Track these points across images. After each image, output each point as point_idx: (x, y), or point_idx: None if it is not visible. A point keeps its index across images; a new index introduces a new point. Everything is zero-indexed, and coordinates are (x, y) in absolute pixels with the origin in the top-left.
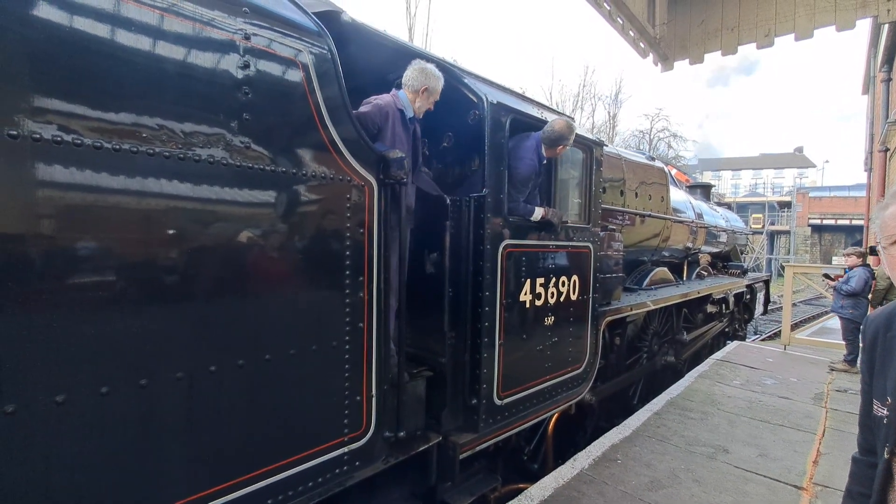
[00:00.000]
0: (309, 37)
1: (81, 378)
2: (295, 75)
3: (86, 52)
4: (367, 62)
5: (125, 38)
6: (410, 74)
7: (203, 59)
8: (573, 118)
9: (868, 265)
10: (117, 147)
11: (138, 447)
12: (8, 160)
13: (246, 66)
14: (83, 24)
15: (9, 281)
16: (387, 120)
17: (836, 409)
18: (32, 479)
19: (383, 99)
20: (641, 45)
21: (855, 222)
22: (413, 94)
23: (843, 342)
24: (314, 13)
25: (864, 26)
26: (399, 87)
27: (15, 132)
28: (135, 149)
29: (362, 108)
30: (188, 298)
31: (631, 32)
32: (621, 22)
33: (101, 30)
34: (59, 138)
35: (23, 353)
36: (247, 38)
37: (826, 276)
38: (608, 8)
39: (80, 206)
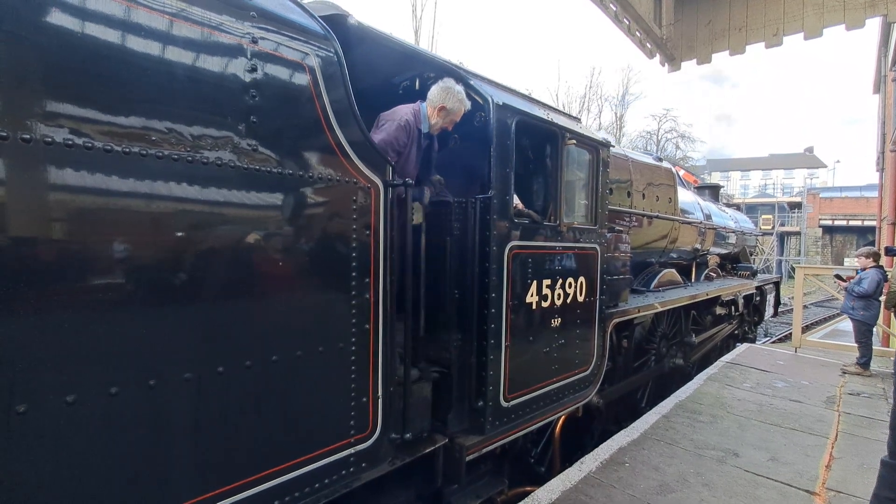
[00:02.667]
0: (316, 40)
1: (91, 378)
2: (302, 78)
3: (96, 56)
4: (374, 65)
5: (135, 42)
6: (433, 90)
7: (211, 63)
8: (580, 119)
9: (881, 266)
10: (127, 150)
11: (147, 447)
12: (20, 163)
13: (253, 69)
14: (94, 29)
15: (20, 282)
16: (409, 136)
17: (849, 412)
18: (42, 478)
19: (406, 116)
20: (648, 45)
21: (867, 223)
22: (431, 109)
23: (856, 345)
24: (321, 16)
25: (874, 25)
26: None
27: (28, 136)
28: (144, 152)
29: (390, 127)
30: (196, 300)
31: (637, 33)
32: (627, 23)
33: (111, 35)
34: (70, 142)
35: (34, 354)
36: (254, 41)
37: (838, 277)
38: (614, 9)
39: (90, 209)
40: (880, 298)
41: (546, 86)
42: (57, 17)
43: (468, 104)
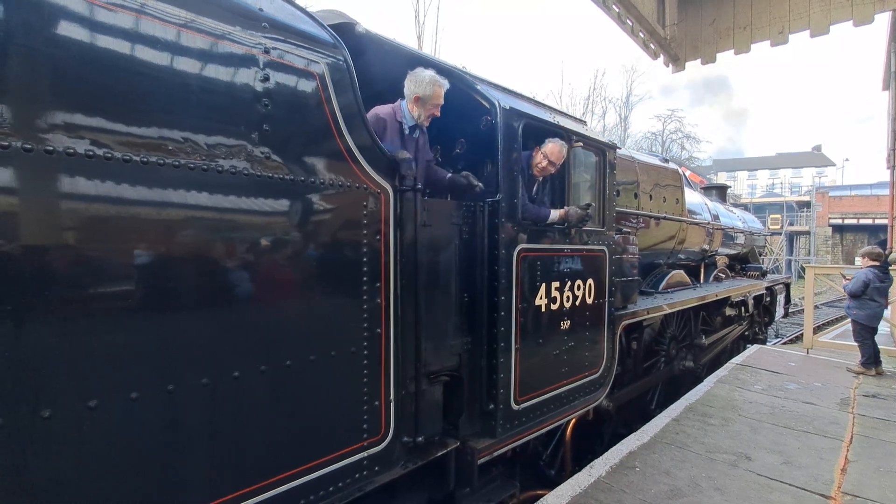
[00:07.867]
0: (325, 48)
1: (113, 384)
2: (312, 86)
3: (114, 69)
4: (380, 70)
5: (151, 55)
6: (405, 84)
7: (225, 74)
8: (584, 121)
9: (881, 266)
10: (145, 160)
11: (165, 451)
12: (44, 174)
13: (266, 78)
14: (113, 43)
15: (45, 290)
16: (384, 130)
17: (863, 414)
18: (67, 481)
19: (383, 110)
20: (651, 46)
21: (878, 221)
22: (410, 103)
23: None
24: (329, 25)
25: (882, 20)
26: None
27: (51, 147)
28: (161, 161)
29: None
30: (212, 306)
31: (641, 34)
32: (631, 24)
33: (128, 48)
34: (91, 153)
35: (58, 361)
36: (266, 51)
37: (844, 276)
38: (617, 10)
39: (111, 218)
40: (877, 299)
41: (549, 88)
42: (75, 32)
43: (443, 82)
